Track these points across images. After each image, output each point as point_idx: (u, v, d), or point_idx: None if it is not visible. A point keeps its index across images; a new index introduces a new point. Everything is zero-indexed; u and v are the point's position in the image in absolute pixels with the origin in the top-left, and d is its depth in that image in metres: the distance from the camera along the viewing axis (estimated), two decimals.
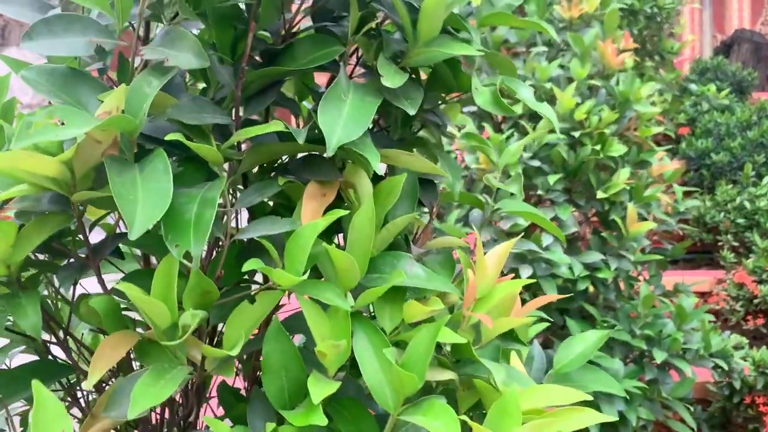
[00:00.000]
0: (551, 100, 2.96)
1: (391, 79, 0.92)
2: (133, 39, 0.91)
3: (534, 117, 3.00)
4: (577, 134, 2.81)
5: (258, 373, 1.17)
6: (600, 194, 2.79)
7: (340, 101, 0.91)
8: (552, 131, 2.70)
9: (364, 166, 0.94)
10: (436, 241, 1.11)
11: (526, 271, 2.63)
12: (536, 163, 2.81)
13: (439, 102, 1.13)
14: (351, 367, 0.98)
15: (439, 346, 0.98)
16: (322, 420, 0.84)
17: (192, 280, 0.86)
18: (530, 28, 1.05)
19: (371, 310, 0.99)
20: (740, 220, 4.32)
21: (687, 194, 3.79)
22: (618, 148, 2.79)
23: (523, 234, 2.71)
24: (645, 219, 2.93)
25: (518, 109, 1.07)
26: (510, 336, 1.05)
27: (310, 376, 0.87)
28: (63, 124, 0.79)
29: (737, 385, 3.16)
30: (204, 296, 0.88)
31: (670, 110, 5.03)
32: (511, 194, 1.19)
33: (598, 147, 2.80)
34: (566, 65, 3.06)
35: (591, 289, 2.85)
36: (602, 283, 2.86)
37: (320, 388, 0.84)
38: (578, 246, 2.88)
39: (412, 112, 0.95)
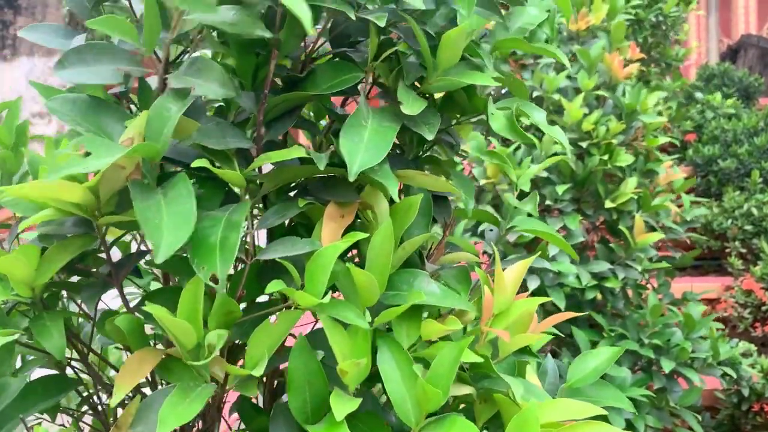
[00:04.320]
0: (559, 111, 2.99)
1: (411, 106, 0.95)
2: (160, 66, 0.93)
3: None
4: (584, 144, 2.83)
5: (276, 385, 1.18)
6: (608, 203, 2.81)
7: (361, 127, 0.93)
8: (555, 143, 2.71)
9: (383, 188, 0.96)
10: (450, 257, 1.13)
11: (533, 282, 2.65)
12: (544, 173, 2.83)
13: (453, 122, 1.16)
14: (367, 380, 1.00)
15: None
16: None
17: (217, 302, 0.88)
18: (542, 54, 1.08)
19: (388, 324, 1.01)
20: (748, 227, 4.33)
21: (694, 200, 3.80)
22: (625, 158, 2.82)
23: (529, 246, 2.73)
24: (653, 228, 2.94)
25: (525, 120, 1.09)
26: (524, 349, 1.07)
27: (333, 393, 0.89)
28: (89, 153, 0.81)
29: (746, 392, 3.18)
30: (228, 316, 0.90)
31: (676, 117, 5.04)
32: (528, 214, 1.21)
33: (605, 157, 2.82)
34: (574, 76, 3.08)
35: (599, 297, 2.87)
36: (610, 292, 2.87)
37: (343, 405, 0.86)
38: (586, 255, 2.89)
39: (430, 137, 0.97)
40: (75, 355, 1.19)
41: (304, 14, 0.79)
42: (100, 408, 1.25)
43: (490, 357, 0.97)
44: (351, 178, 0.89)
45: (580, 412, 0.92)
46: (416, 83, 1.03)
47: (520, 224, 1.19)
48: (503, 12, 1.07)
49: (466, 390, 0.96)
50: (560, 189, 2.77)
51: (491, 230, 1.37)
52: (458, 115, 1.14)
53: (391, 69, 1.03)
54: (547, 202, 2.84)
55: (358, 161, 0.90)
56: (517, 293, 1.02)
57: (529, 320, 0.99)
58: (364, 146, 0.91)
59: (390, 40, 1.04)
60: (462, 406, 1.04)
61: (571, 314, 1.04)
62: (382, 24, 0.92)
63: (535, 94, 3.06)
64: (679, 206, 3.30)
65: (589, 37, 3.33)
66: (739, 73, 5.94)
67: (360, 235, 0.91)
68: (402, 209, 0.99)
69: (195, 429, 1.13)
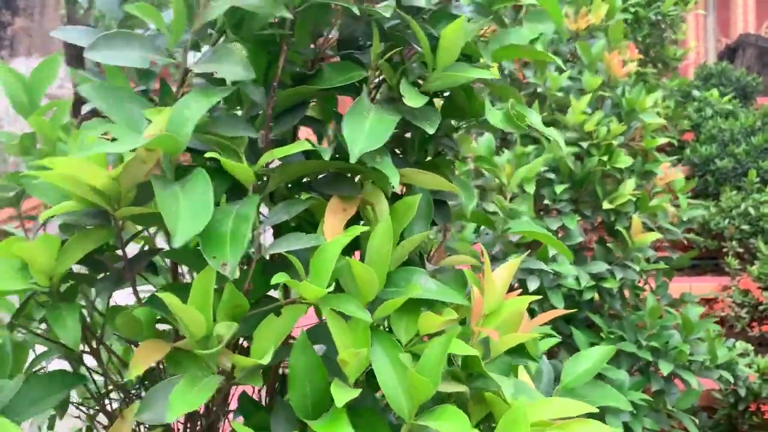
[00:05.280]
0: (561, 110, 3.02)
1: (413, 99, 1.01)
2: (184, 57, 1.00)
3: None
4: (585, 145, 2.87)
5: (277, 384, 1.22)
6: (606, 205, 2.84)
7: (363, 117, 1.00)
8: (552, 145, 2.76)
9: (382, 186, 1.00)
10: (449, 260, 1.17)
11: (533, 283, 2.66)
12: (548, 174, 2.86)
13: (454, 129, 1.22)
14: (367, 383, 1.04)
15: (451, 361, 1.04)
16: (346, 428, 0.89)
17: (226, 293, 0.93)
18: (539, 58, 1.13)
19: (386, 325, 1.05)
20: (745, 227, 4.36)
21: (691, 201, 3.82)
22: (625, 160, 2.84)
23: (531, 245, 2.76)
24: (651, 229, 2.97)
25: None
26: (520, 351, 1.10)
27: (333, 382, 0.93)
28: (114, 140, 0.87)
29: (742, 392, 3.18)
30: (235, 309, 0.94)
31: (673, 116, 5.06)
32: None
33: (605, 158, 2.85)
34: (575, 76, 3.12)
35: (596, 298, 2.89)
36: (608, 293, 2.89)
37: (343, 393, 0.90)
38: (584, 255, 2.92)
39: (431, 131, 1.03)
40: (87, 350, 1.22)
41: None
42: (108, 407, 1.28)
43: (481, 357, 1.01)
44: (352, 160, 0.94)
45: (572, 410, 0.96)
46: (418, 83, 1.09)
47: (515, 226, 1.23)
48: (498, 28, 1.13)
49: (458, 388, 0.99)
50: (558, 189, 2.80)
51: (487, 234, 1.41)
52: (459, 119, 1.20)
53: (394, 69, 1.09)
54: (546, 202, 2.87)
55: (359, 145, 0.95)
56: (518, 295, 1.05)
57: (519, 319, 1.02)
58: (365, 133, 0.97)
59: (395, 44, 1.10)
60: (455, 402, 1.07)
61: (563, 311, 1.07)
62: (388, 14, 0.98)
63: (538, 90, 3.09)
64: (676, 206, 3.32)
65: (587, 38, 3.36)
66: (737, 72, 5.97)
67: (362, 229, 0.96)
68: (402, 208, 1.04)
69: (200, 423, 1.17)
